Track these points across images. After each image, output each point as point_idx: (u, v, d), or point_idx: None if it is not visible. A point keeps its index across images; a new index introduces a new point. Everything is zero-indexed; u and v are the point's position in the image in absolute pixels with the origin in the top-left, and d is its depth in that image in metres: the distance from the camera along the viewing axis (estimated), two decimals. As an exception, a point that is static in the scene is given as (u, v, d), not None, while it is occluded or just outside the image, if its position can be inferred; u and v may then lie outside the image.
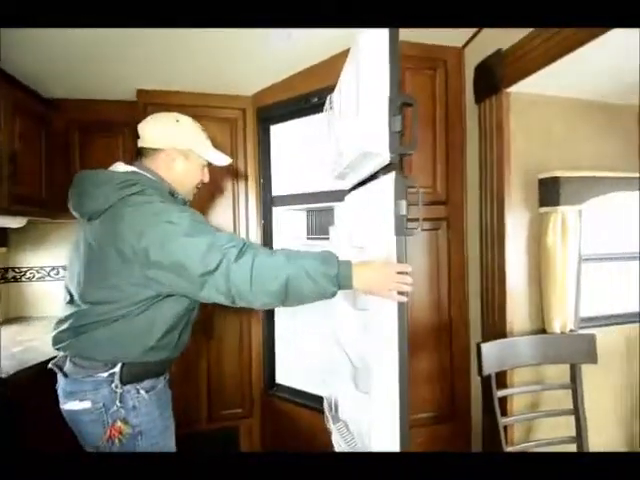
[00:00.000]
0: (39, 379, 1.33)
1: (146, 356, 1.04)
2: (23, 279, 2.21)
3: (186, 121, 1.19)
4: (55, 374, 1.08)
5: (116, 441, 1.01)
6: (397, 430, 0.97)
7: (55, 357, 1.10)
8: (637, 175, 1.54)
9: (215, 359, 2.03)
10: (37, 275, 2.24)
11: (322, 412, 1.77)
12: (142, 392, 1.05)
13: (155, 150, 1.14)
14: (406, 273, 0.94)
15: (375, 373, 1.01)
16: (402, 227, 0.94)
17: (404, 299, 0.96)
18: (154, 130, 1.15)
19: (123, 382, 1.02)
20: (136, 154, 1.18)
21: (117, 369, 1.02)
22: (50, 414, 1.40)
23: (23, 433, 1.31)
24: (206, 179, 1.26)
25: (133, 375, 1.03)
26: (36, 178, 1.83)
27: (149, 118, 1.17)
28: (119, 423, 1.01)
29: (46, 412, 1.38)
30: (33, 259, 2.23)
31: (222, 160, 1.26)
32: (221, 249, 0.93)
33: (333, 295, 0.96)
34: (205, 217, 1.10)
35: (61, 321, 1.07)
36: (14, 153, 1.65)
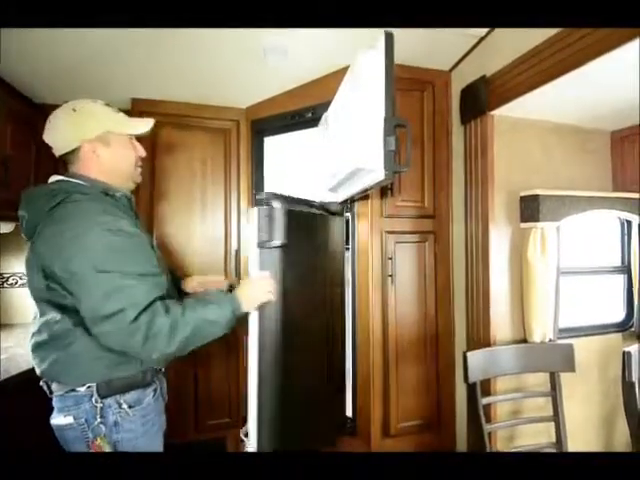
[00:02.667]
0: (24, 388, 1.31)
1: (117, 372, 0.98)
2: (5, 285, 2.16)
3: (85, 105, 1.04)
4: (40, 384, 1.04)
5: None
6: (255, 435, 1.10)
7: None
8: (610, 195, 1.65)
9: (203, 368, 2.03)
10: (20, 281, 2.19)
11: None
12: (125, 406, 0.98)
13: (72, 153, 1.03)
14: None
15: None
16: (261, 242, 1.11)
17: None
18: (58, 133, 1.03)
19: (102, 396, 0.97)
20: (63, 166, 1.08)
21: (93, 382, 0.97)
22: (36, 425, 1.37)
23: (8, 444, 1.28)
24: (141, 153, 1.13)
25: (112, 388, 0.98)
26: (26, 183, 1.81)
27: (48, 123, 1.04)
28: (99, 440, 0.96)
29: (31, 423, 1.36)
30: (17, 265, 2.18)
31: (143, 125, 1.12)
32: (121, 302, 0.88)
33: (233, 327, 1.04)
34: (149, 235, 1.10)
35: (31, 337, 1.02)
36: (5, 158, 1.64)
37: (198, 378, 2.02)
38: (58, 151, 1.05)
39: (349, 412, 1.69)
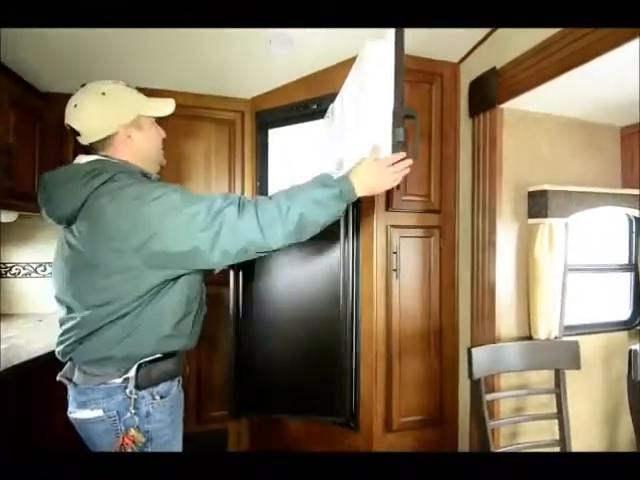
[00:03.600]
0: (25, 378, 1.31)
1: (161, 346, 0.99)
2: (8, 275, 2.16)
3: (113, 88, 1.01)
4: (41, 375, 1.03)
5: (128, 450, 0.94)
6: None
7: (41, 356, 1.12)
8: (619, 191, 1.63)
9: (205, 359, 2.02)
10: (23, 271, 2.18)
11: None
12: (157, 398, 1.00)
13: (106, 139, 1.00)
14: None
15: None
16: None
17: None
18: (91, 119, 0.99)
19: (139, 387, 0.97)
20: (87, 152, 1.03)
21: (132, 373, 0.96)
22: (36, 414, 1.38)
23: (9, 433, 1.28)
24: (163, 134, 1.14)
25: (149, 379, 0.98)
26: (30, 173, 1.80)
27: (74, 108, 0.98)
28: (133, 431, 0.95)
29: (32, 412, 1.36)
30: (19, 255, 2.18)
31: (169, 106, 1.11)
32: (219, 211, 0.90)
33: (343, 213, 1.00)
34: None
35: (64, 333, 0.99)
36: (9, 146, 1.63)
37: (201, 370, 2.01)
38: (90, 138, 1.00)
39: (352, 407, 1.68)
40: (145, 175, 1.04)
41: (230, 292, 1.76)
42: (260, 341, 1.79)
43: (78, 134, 1.00)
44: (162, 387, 1.02)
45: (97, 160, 0.99)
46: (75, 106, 0.99)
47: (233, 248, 0.91)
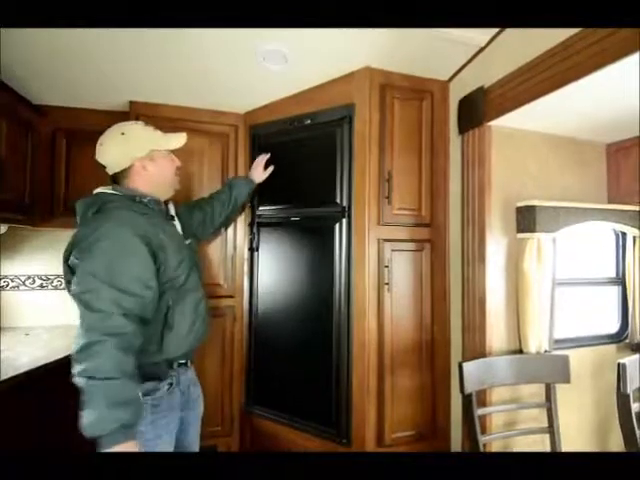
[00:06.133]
0: (14, 393, 1.28)
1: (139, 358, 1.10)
2: (-5, 288, 2.13)
3: (131, 128, 1.23)
4: (30, 389, 1.19)
5: None
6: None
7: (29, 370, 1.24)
8: (606, 206, 1.66)
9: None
10: (11, 284, 2.15)
11: (301, 429, 1.77)
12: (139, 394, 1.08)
13: (125, 170, 1.20)
14: None
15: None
16: None
17: None
18: (112, 155, 1.20)
19: None
20: (112, 181, 1.23)
21: None
22: (24, 429, 1.35)
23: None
24: (178, 163, 1.32)
25: None
26: (20, 184, 1.79)
27: (100, 146, 1.20)
28: None
29: (23, 425, 1.33)
30: (8, 267, 2.15)
31: (180, 140, 1.30)
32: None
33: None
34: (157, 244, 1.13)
35: None
36: None
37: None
38: (112, 170, 1.21)
39: (343, 422, 1.67)
40: (141, 202, 1.18)
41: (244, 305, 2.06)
42: (261, 350, 1.99)
43: (105, 167, 1.21)
44: (146, 386, 1.10)
45: (96, 194, 1.17)
46: (101, 144, 1.20)
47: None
